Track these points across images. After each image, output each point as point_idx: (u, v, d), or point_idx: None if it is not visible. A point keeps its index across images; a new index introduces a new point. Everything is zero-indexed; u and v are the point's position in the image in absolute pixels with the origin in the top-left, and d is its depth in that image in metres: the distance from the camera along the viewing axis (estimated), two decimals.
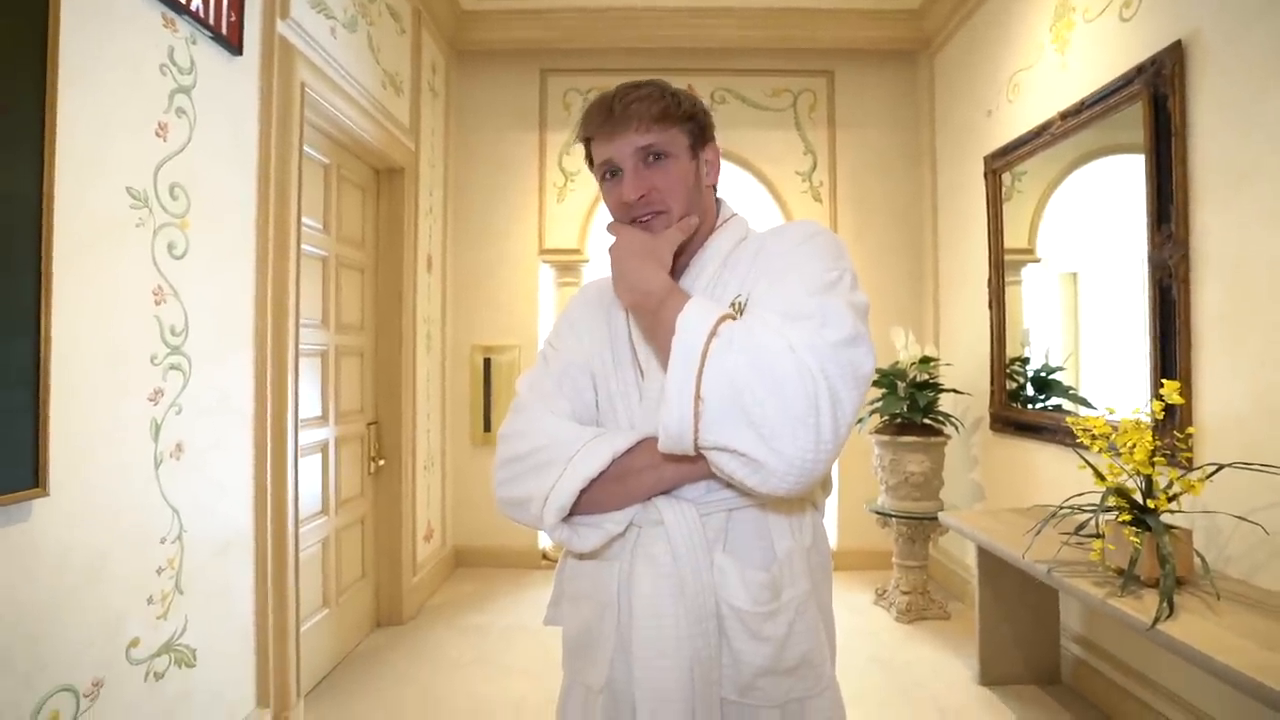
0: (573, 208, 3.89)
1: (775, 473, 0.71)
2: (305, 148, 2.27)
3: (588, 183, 3.86)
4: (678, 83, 3.56)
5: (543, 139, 3.89)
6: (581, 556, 0.91)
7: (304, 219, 2.27)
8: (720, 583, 0.82)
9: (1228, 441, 1.77)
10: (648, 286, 0.83)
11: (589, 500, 0.83)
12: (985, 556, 2.40)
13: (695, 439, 0.73)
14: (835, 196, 3.89)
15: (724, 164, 3.83)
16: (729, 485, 0.81)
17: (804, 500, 0.90)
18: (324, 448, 2.57)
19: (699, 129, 0.91)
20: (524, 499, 0.86)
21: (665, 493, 0.84)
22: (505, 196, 3.90)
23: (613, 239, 0.89)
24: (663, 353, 0.81)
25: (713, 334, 0.74)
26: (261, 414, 1.96)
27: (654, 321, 0.82)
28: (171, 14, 1.58)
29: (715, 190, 0.98)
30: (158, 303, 1.55)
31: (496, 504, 0.90)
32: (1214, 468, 1.65)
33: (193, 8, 1.62)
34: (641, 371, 0.90)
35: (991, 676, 2.45)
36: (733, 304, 0.86)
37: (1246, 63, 1.74)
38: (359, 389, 2.90)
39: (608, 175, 0.89)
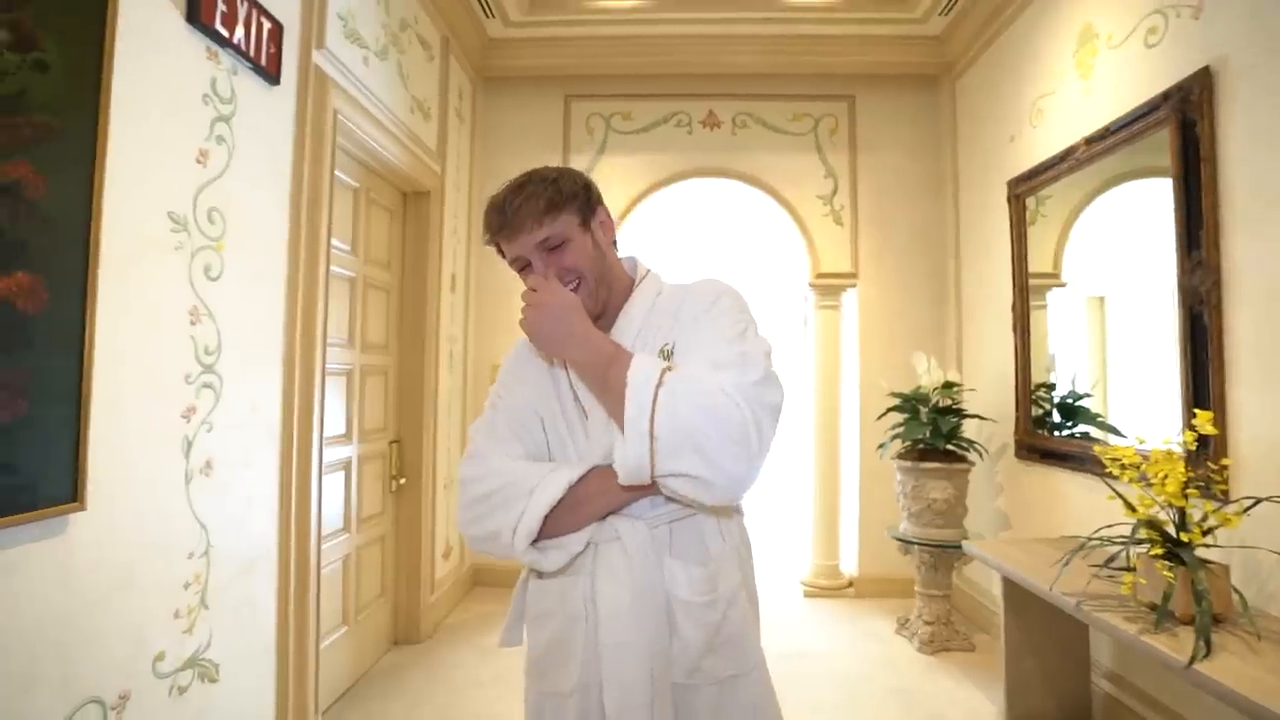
0: None
1: (720, 487, 0.87)
2: (336, 172, 2.32)
3: (610, 204, 3.89)
4: (700, 108, 3.57)
5: (565, 163, 3.94)
6: (543, 576, 1.03)
7: (333, 241, 2.32)
8: (669, 581, 0.98)
9: (1266, 474, 1.73)
10: (599, 346, 0.94)
11: (552, 525, 0.95)
12: (1011, 587, 2.35)
13: (652, 470, 0.88)
14: (856, 219, 3.89)
15: (746, 188, 3.97)
16: (670, 500, 0.97)
17: (728, 507, 1.05)
18: (347, 465, 2.59)
19: (585, 204, 1.03)
20: (494, 533, 0.96)
21: (616, 512, 0.99)
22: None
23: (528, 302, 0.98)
24: (608, 401, 0.94)
25: (659, 384, 0.88)
26: (288, 432, 1.99)
27: (603, 375, 0.94)
28: (215, 47, 1.65)
29: (615, 247, 1.11)
30: (193, 323, 1.60)
31: (468, 542, 1.00)
32: (1251, 501, 1.61)
33: (235, 40, 1.69)
34: (585, 412, 1.02)
35: (1018, 712, 2.37)
36: (661, 351, 1.01)
37: (1277, 90, 1.73)
38: (382, 407, 2.93)
39: (521, 268, 1.02)
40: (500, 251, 1.04)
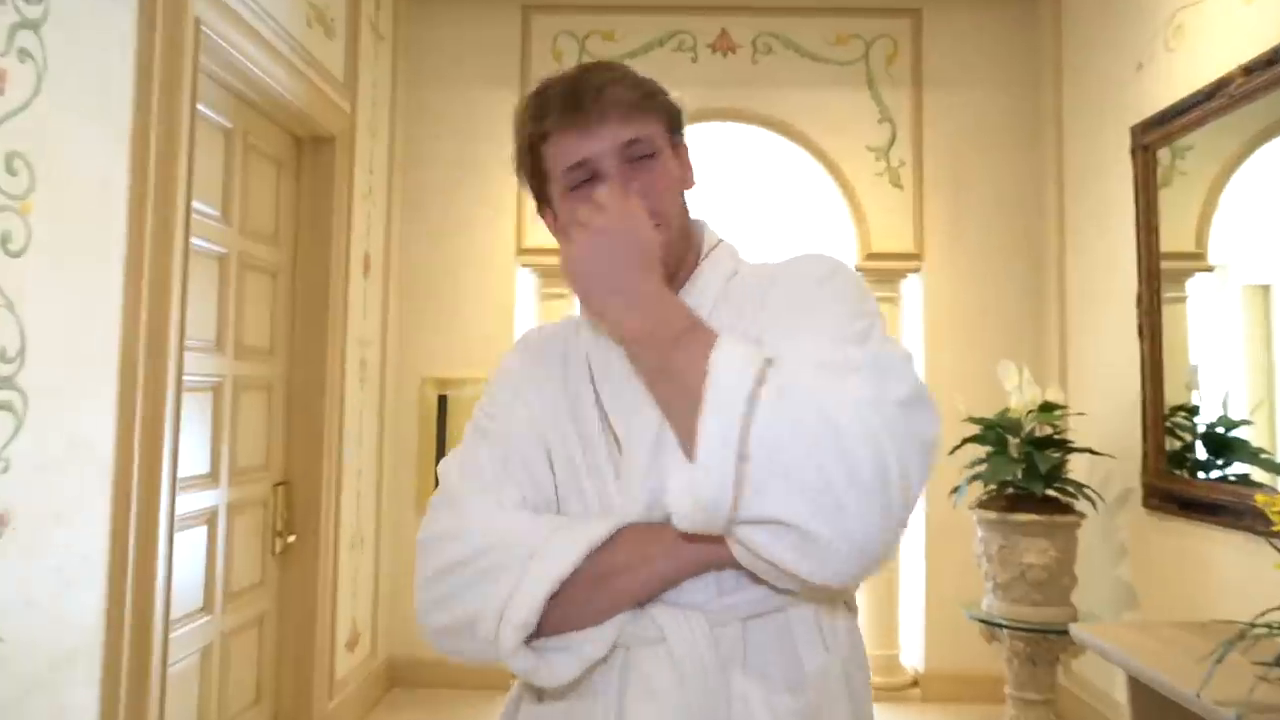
0: None
1: (838, 553, 0.73)
2: (200, 107, 2.29)
3: None
4: (708, 26, 3.55)
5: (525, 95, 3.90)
6: (544, 696, 0.92)
7: (196, 203, 2.29)
8: (740, 712, 0.84)
9: None
10: (664, 313, 0.82)
11: (560, 613, 0.82)
12: (1140, 690, 2.31)
13: (733, 510, 0.73)
14: (921, 180, 3.91)
15: (770, 136, 3.94)
16: (752, 579, 0.84)
17: (836, 599, 0.95)
18: (211, 518, 2.55)
19: (675, 119, 1.01)
20: (468, 620, 0.84)
21: (660, 598, 0.87)
22: (473, 176, 3.90)
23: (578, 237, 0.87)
24: (667, 395, 0.83)
25: (760, 379, 0.75)
26: (125, 472, 1.93)
27: (665, 356, 0.81)
28: None
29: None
30: None
31: (427, 635, 0.89)
32: None
33: None
34: (617, 442, 0.93)
35: None
36: None
37: None
38: (264, 437, 2.89)
39: (576, 185, 0.92)
40: (531, 166, 0.96)
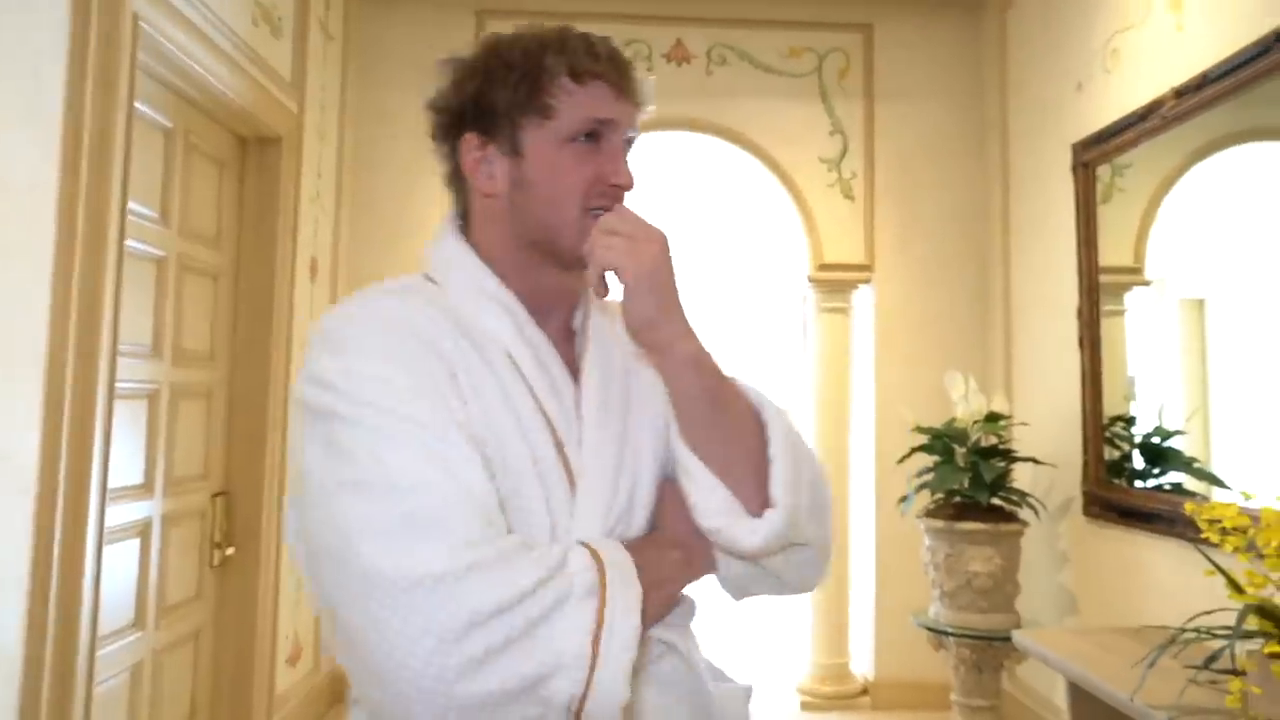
0: None
1: (829, 561, 0.91)
2: (138, 104, 2.24)
3: None
4: (664, 36, 3.53)
5: None
6: None
7: (132, 204, 2.23)
8: (719, 715, 0.88)
9: None
10: (698, 337, 0.85)
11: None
12: (1079, 695, 2.35)
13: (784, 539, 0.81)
14: (872, 192, 3.95)
15: (723, 146, 3.95)
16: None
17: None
18: (144, 530, 2.48)
19: None
20: (533, 679, 0.66)
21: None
22: (428, 178, 3.84)
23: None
24: (721, 428, 0.83)
25: (786, 420, 0.88)
26: (49, 484, 1.87)
27: (717, 386, 0.84)
28: None
29: None
30: None
31: (450, 708, 0.64)
32: None
33: None
34: (570, 475, 0.82)
35: None
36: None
37: None
38: (202, 446, 2.83)
39: (586, 137, 0.84)
40: (541, 97, 0.82)
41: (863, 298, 4.02)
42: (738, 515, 0.80)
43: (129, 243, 2.24)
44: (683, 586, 0.85)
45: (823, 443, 3.95)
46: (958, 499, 3.11)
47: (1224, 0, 2.39)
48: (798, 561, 0.85)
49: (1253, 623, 1.68)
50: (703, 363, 0.82)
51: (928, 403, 3.52)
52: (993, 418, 3.16)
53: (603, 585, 0.70)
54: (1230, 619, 1.77)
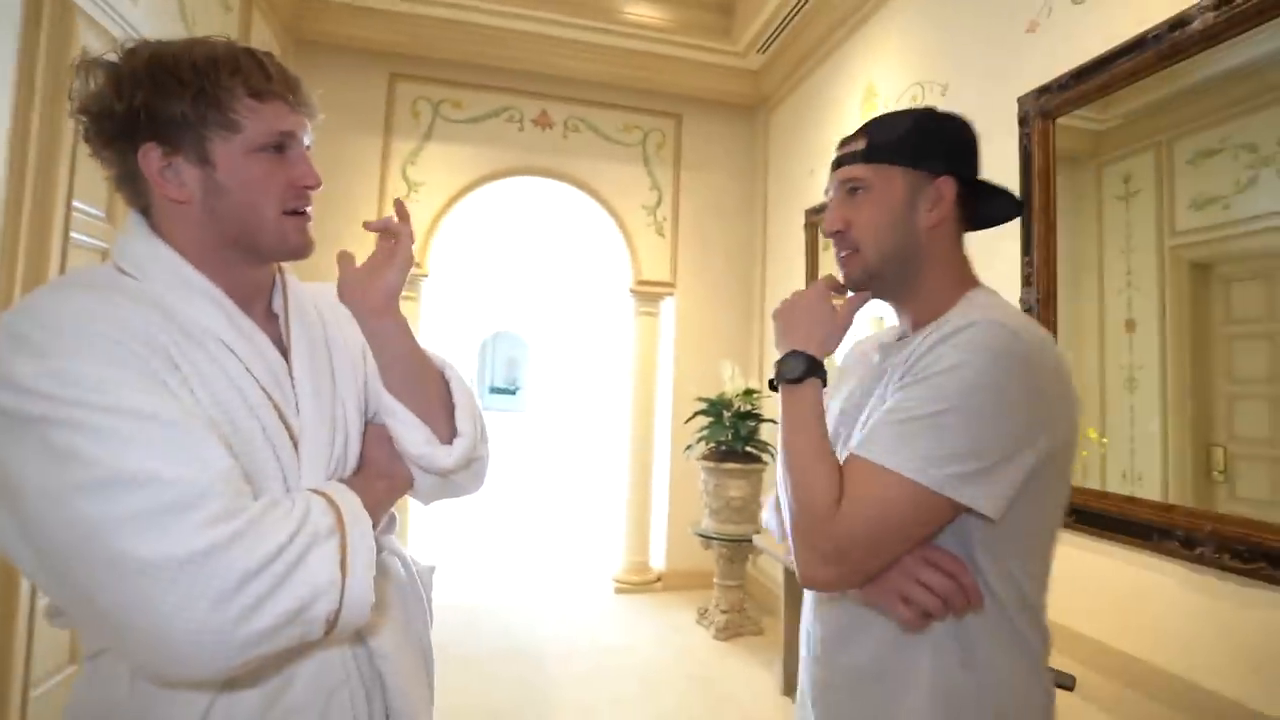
0: (416, 219, 3.67)
1: (486, 474, 0.92)
2: (73, 115, 1.94)
3: (433, 193, 3.70)
4: (532, 106, 3.45)
5: (387, 145, 3.66)
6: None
7: (77, 203, 1.95)
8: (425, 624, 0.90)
9: None
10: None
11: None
12: (791, 575, 2.57)
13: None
14: (677, 232, 4.05)
15: (574, 191, 3.96)
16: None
17: None
18: None
19: None
20: (298, 608, 0.60)
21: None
22: (339, 202, 3.59)
23: None
24: (416, 389, 0.80)
25: None
26: None
27: (421, 354, 0.83)
28: None
29: None
30: None
31: (232, 649, 0.57)
32: None
33: None
34: (285, 424, 0.73)
35: (793, 685, 2.61)
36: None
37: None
38: None
39: (273, 148, 0.73)
40: (227, 115, 0.70)
41: (667, 306, 4.10)
42: (435, 445, 0.79)
43: (75, 235, 1.96)
44: (391, 505, 0.81)
45: (636, 408, 4.02)
46: (724, 447, 3.28)
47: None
48: (473, 472, 0.85)
49: None
50: (407, 331, 0.79)
51: (708, 382, 3.70)
52: (749, 392, 3.34)
53: (340, 523, 0.65)
54: None
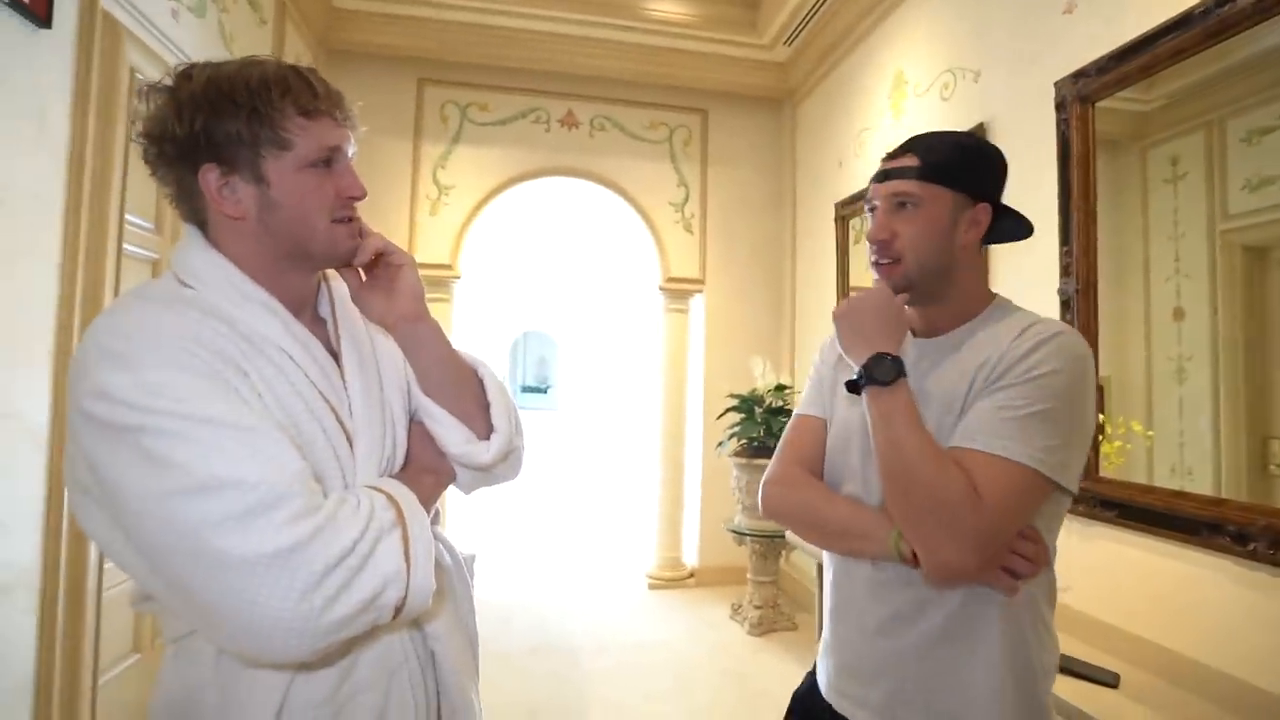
0: (446, 221, 3.76)
1: (522, 464, 0.95)
2: (137, 139, 2.02)
3: (464, 196, 3.76)
4: (558, 106, 3.48)
5: (417, 148, 3.73)
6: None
7: (130, 216, 2.03)
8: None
9: None
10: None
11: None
12: (820, 569, 2.56)
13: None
14: (705, 229, 4.04)
15: (601, 190, 3.98)
16: None
17: None
18: None
19: None
20: (372, 595, 0.65)
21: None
22: (372, 203, 3.68)
23: None
24: (452, 390, 0.84)
25: None
26: (59, 439, 1.69)
27: (457, 357, 0.87)
28: None
29: None
30: None
31: (315, 637, 0.62)
32: None
33: None
34: (343, 427, 0.76)
35: None
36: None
37: (1034, 137, 2.01)
38: None
39: (322, 162, 0.76)
40: (279, 134, 0.73)
41: (697, 303, 4.10)
42: (474, 442, 0.83)
43: (127, 247, 2.04)
44: (438, 498, 0.84)
45: (667, 405, 4.04)
46: (755, 444, 3.27)
47: (925, 116, 2.60)
48: (511, 463, 0.88)
49: None
50: (440, 334, 0.84)
51: (738, 377, 3.70)
52: (780, 388, 3.35)
53: (401, 517, 0.69)
54: None
